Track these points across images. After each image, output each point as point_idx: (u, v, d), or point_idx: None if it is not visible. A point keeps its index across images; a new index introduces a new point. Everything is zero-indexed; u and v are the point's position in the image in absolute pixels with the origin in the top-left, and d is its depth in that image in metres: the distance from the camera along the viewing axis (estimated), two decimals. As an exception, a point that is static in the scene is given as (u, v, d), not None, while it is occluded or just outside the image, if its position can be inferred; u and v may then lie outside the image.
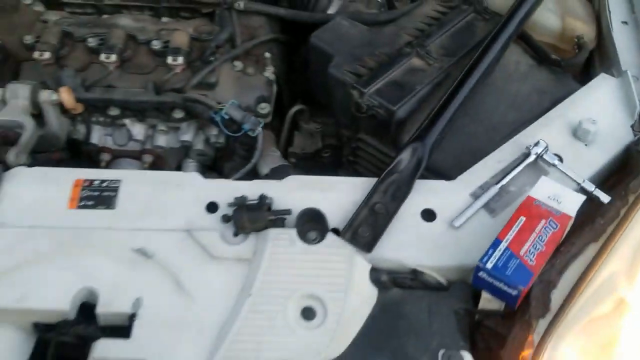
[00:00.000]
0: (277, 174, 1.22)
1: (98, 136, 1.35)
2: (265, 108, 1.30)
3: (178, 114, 1.30)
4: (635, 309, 0.92)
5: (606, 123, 1.13)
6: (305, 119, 1.46)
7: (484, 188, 1.03)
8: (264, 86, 1.33)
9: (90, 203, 1.03)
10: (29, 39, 1.34)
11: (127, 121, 1.34)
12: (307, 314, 0.92)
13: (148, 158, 1.34)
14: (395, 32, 1.31)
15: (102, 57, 1.30)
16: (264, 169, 1.28)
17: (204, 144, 1.37)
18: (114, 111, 1.30)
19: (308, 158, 1.48)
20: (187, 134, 1.35)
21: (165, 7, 1.45)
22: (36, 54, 1.30)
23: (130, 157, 1.35)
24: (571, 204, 0.94)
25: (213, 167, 1.41)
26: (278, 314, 0.92)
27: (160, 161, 1.35)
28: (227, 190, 1.04)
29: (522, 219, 0.93)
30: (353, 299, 0.93)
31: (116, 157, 1.35)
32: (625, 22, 1.29)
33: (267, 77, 1.34)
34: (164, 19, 1.45)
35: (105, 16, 1.45)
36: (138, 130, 1.35)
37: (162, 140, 1.36)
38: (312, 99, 1.45)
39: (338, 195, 1.04)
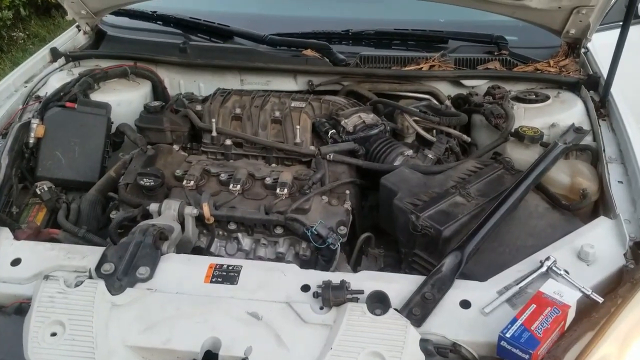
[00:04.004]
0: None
1: (215, 247, 1.80)
2: (343, 230, 1.72)
3: (279, 231, 1.75)
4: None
5: (605, 251, 1.47)
6: (372, 245, 1.87)
7: (508, 288, 1.38)
8: (343, 214, 1.75)
9: (219, 280, 1.44)
10: (179, 172, 1.87)
11: (239, 235, 1.79)
12: (372, 366, 1.24)
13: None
14: (444, 179, 1.75)
15: (230, 186, 1.80)
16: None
17: (293, 257, 1.79)
18: (232, 226, 1.77)
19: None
20: (282, 247, 1.78)
21: (274, 157, 1.99)
22: (184, 182, 1.82)
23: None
24: (570, 297, 1.28)
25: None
26: (351, 364, 1.25)
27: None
28: (317, 276, 1.42)
29: (534, 306, 1.27)
30: (406, 359, 1.25)
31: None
32: (620, 182, 1.69)
33: (346, 208, 1.77)
34: (273, 165, 1.98)
35: (231, 161, 2.00)
36: (246, 242, 1.80)
37: (262, 252, 1.79)
38: (377, 231, 1.85)
39: (397, 285, 1.40)
